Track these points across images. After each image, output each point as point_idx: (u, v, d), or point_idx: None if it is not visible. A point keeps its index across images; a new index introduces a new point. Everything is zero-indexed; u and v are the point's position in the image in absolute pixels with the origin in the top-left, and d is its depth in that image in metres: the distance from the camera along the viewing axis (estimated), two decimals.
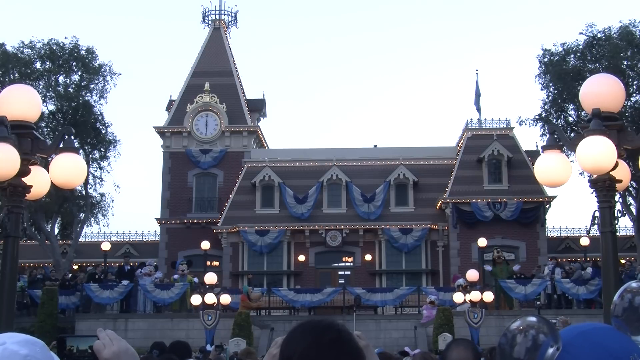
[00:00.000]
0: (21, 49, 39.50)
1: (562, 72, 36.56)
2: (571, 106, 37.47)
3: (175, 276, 30.96)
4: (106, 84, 40.55)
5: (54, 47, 39.70)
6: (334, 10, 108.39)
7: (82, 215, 40.12)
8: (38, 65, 39.97)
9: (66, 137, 7.06)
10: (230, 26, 45.75)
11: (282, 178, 39.59)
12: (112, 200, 42.51)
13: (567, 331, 2.37)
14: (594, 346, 2.29)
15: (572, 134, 31.42)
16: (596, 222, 6.83)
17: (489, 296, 25.34)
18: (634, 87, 35.92)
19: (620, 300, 2.46)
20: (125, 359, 2.46)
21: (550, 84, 37.72)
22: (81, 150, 36.37)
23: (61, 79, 40.32)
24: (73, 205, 39.96)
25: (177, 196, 40.88)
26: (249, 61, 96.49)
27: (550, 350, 2.25)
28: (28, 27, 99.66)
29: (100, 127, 40.56)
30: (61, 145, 6.97)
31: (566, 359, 2.25)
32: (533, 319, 2.33)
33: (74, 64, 40.04)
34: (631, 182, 30.17)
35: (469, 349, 4.40)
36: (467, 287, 26.13)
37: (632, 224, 36.99)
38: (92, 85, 40.33)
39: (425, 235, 38.07)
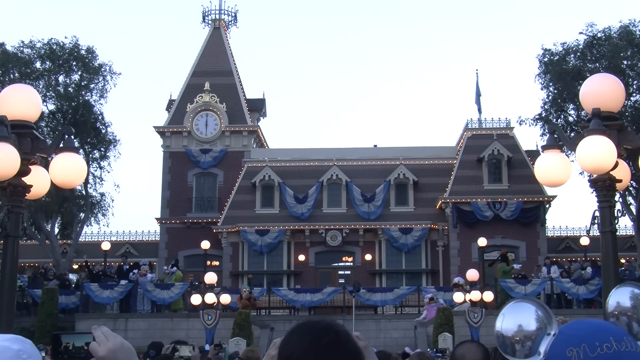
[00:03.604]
0: (21, 48, 39.50)
1: (562, 72, 36.55)
2: (571, 106, 37.45)
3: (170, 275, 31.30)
4: (106, 83, 40.59)
5: (54, 47, 39.69)
6: (334, 10, 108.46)
7: (82, 215, 40.11)
8: (38, 65, 39.97)
9: (66, 136, 7.06)
10: (230, 26, 45.76)
11: (282, 178, 39.59)
12: (112, 200, 42.53)
13: (567, 324, 2.44)
14: (589, 325, 2.36)
15: (572, 134, 31.40)
16: (596, 222, 6.83)
17: (489, 296, 25.34)
18: (634, 87, 35.90)
19: (616, 321, 2.59)
20: (122, 355, 2.44)
21: (550, 84, 37.71)
22: (81, 150, 36.37)
23: (61, 78, 40.32)
24: (73, 205, 39.96)
25: (177, 196, 40.89)
26: (249, 61, 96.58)
27: (547, 338, 2.32)
28: (28, 27, 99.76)
29: (100, 126, 40.55)
30: (61, 145, 6.97)
31: (565, 338, 2.32)
32: (530, 326, 2.38)
33: (74, 63, 40.03)
34: (631, 182, 30.17)
35: (481, 349, 4.46)
36: (465, 287, 26.16)
37: (632, 224, 36.97)
38: (92, 85, 40.32)
39: (425, 235, 38.07)
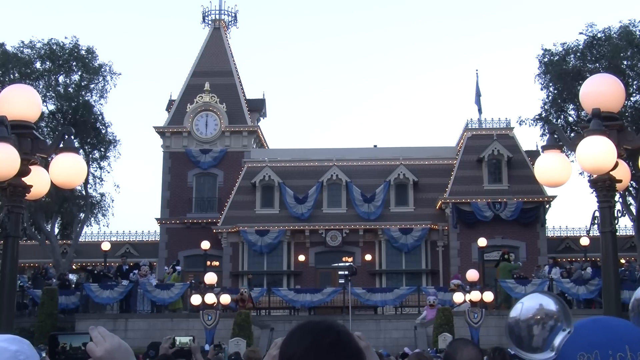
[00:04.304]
0: (21, 49, 39.49)
1: (562, 72, 36.54)
2: (571, 106, 37.45)
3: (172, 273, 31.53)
4: (106, 84, 40.57)
5: (54, 47, 39.67)
6: (333, 10, 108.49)
7: (82, 215, 40.10)
8: (38, 65, 39.95)
9: (66, 137, 7.06)
10: (230, 26, 45.76)
11: (282, 178, 39.58)
12: (112, 200, 42.52)
13: (581, 320, 2.38)
14: (604, 327, 2.29)
15: (572, 134, 31.40)
16: (596, 222, 6.83)
17: (489, 296, 25.34)
18: (634, 87, 35.89)
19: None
20: (119, 355, 2.44)
21: (550, 84, 37.70)
22: (81, 150, 36.35)
23: (61, 79, 40.31)
24: (73, 205, 39.95)
25: (177, 196, 40.88)
26: (249, 61, 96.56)
27: (562, 334, 2.25)
28: (28, 27, 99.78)
29: (100, 127, 40.53)
30: (61, 145, 6.97)
31: (578, 340, 2.25)
32: (550, 306, 2.31)
33: (74, 64, 40.01)
34: (631, 182, 30.16)
35: (477, 349, 4.44)
36: (461, 287, 26.14)
37: (632, 224, 36.97)
38: (92, 85, 40.31)
39: (425, 235, 38.06)
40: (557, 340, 2.25)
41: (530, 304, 2.33)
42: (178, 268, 31.83)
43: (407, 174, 39.33)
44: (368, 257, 38.43)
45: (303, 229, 38.60)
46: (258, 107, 44.72)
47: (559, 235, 41.08)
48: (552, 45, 38.18)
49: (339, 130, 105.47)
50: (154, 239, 42.10)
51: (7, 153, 6.29)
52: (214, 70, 43.27)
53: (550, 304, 2.30)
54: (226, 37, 45.03)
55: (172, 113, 42.35)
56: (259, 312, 31.31)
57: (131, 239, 42.96)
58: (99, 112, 40.47)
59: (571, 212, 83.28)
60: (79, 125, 37.31)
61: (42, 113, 33.34)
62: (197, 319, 25.49)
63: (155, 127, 41.91)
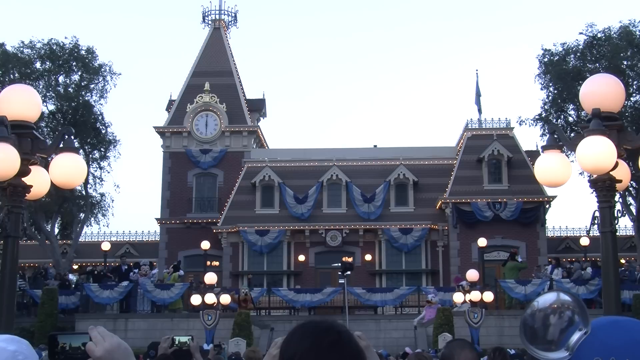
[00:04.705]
0: (21, 49, 39.50)
1: (562, 72, 36.54)
2: (571, 106, 37.44)
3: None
4: (106, 84, 40.60)
5: (54, 47, 39.68)
6: (334, 10, 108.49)
7: (82, 215, 40.11)
8: (38, 65, 39.96)
9: (66, 137, 7.06)
10: (230, 26, 45.74)
11: (282, 178, 39.58)
12: (112, 200, 42.51)
13: (598, 319, 2.32)
14: (623, 330, 2.22)
15: (572, 134, 31.38)
16: (596, 222, 6.83)
17: (489, 296, 25.33)
18: (634, 87, 35.89)
19: None
20: (118, 355, 2.43)
21: (550, 84, 37.69)
22: (81, 150, 36.34)
23: (61, 79, 40.32)
24: (73, 205, 39.95)
25: (177, 196, 40.87)
26: (249, 61, 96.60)
27: (578, 334, 2.20)
28: (28, 27, 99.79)
29: (100, 127, 40.55)
30: (61, 145, 6.97)
31: (594, 343, 2.19)
32: (567, 297, 2.26)
33: (74, 64, 40.02)
34: (631, 182, 30.15)
35: (474, 350, 4.40)
36: (468, 287, 26.13)
37: (632, 224, 36.97)
38: (92, 85, 40.33)
39: (425, 235, 38.05)
40: (573, 340, 2.19)
41: (547, 297, 2.27)
42: (181, 272, 31.75)
43: (407, 174, 39.32)
44: (368, 257, 38.42)
45: (303, 229, 38.60)
46: (258, 107, 44.71)
47: (559, 235, 41.09)
48: (552, 45, 38.23)
49: (339, 130, 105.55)
50: (154, 239, 42.10)
51: (7, 153, 6.29)
52: (214, 70, 43.26)
53: (567, 297, 2.25)
54: (226, 37, 45.01)
55: (172, 113, 42.33)
56: (259, 312, 31.32)
57: (131, 239, 42.97)
58: (99, 112, 40.53)
59: (571, 212, 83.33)
60: (79, 125, 37.31)
61: (42, 113, 33.33)
62: (197, 319, 25.50)
63: (155, 127, 41.89)
